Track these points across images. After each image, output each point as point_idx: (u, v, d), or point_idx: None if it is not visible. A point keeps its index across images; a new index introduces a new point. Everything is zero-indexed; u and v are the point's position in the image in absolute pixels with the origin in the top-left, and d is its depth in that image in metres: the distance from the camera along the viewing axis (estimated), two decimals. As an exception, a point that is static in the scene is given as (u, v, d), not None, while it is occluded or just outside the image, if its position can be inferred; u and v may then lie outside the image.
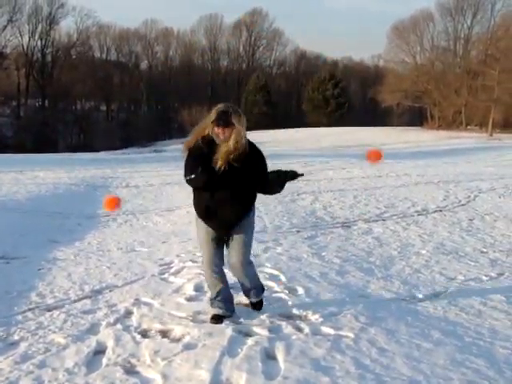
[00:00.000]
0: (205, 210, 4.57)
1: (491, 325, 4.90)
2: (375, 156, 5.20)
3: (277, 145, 45.40)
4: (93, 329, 4.66)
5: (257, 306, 4.97)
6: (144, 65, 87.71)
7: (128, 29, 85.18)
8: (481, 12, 69.72)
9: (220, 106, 4.45)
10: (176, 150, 41.53)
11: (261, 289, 4.96)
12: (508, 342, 4.47)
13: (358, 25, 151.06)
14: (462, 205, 12.10)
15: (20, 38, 71.36)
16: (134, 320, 4.84)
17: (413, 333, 4.54)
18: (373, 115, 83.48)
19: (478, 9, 69.60)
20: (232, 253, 4.72)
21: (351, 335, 4.38)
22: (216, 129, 4.38)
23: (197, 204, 4.64)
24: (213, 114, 4.41)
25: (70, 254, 7.66)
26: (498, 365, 4.00)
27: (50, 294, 5.67)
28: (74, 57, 76.90)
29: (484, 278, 6.55)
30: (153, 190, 15.19)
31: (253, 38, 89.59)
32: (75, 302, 5.42)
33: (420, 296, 5.72)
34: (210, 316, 4.71)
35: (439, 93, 68.03)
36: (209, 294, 4.88)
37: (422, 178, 17.17)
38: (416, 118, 79.57)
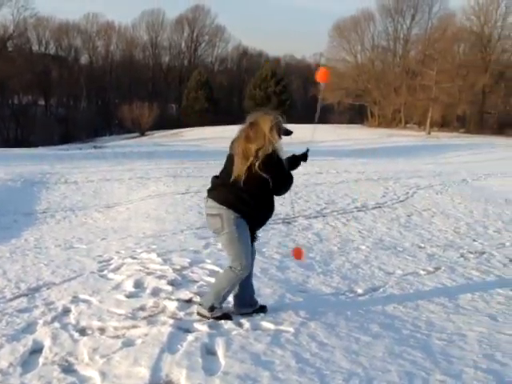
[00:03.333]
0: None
1: (428, 317, 5.02)
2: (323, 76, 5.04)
3: (219, 141, 45.31)
4: (29, 328, 4.54)
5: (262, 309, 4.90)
6: (84, 59, 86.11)
7: (68, 22, 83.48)
8: (419, 14, 71.26)
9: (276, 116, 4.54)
10: (117, 146, 41.06)
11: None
12: (444, 334, 4.58)
13: (300, 23, 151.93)
14: (401, 201, 12.34)
15: (-46, 29, 69.04)
16: (72, 318, 4.75)
17: (352, 327, 4.60)
18: (314, 113, 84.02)
19: (416, 10, 71.08)
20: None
21: (291, 330, 4.41)
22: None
23: (269, 206, 4.69)
24: (275, 125, 4.44)
25: (6, 252, 7.48)
26: (434, 356, 4.09)
27: (-16, 293, 5.52)
28: (10, 49, 74.85)
29: (421, 272, 6.71)
30: (92, 186, 14.94)
31: (195, 35, 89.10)
32: (11, 300, 5.28)
33: (359, 290, 5.81)
34: (217, 316, 4.64)
35: (379, 91, 69.19)
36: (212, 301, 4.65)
37: (362, 175, 17.42)
38: (356, 116, 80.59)
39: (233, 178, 4.41)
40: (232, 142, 4.57)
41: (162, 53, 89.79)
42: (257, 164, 4.32)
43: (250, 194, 4.44)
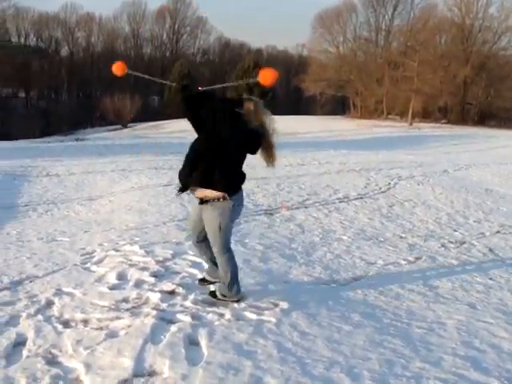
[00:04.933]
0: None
1: (408, 306, 5.09)
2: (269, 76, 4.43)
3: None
4: (12, 320, 4.54)
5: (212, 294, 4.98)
6: (65, 51, 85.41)
7: (47, 13, 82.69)
8: (401, 5, 71.44)
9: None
10: (99, 139, 40.83)
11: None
12: (423, 322, 4.65)
13: (283, 13, 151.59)
14: (383, 192, 12.41)
15: None
16: (55, 310, 4.76)
17: (333, 316, 4.65)
18: (296, 104, 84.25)
19: (398, 1, 71.25)
20: None
21: (273, 320, 4.46)
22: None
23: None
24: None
25: (-12, 245, 7.44)
26: (414, 344, 4.16)
27: (-33, 286, 5.50)
28: (-11, 41, 74.01)
29: (402, 262, 6.78)
30: (74, 178, 14.86)
31: (176, 26, 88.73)
32: (-7, 293, 5.27)
33: (341, 280, 5.87)
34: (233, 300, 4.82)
35: (361, 82, 69.29)
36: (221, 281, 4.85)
37: (344, 166, 17.48)
38: (339, 107, 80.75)
39: None
40: None
41: (143, 44, 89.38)
42: None
43: None
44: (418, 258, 6.98)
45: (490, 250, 7.66)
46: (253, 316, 4.54)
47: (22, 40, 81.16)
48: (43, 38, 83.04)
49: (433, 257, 7.07)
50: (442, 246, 7.77)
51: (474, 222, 9.61)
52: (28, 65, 76.03)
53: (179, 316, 4.52)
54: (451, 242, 7.99)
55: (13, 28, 79.60)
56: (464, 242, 8.01)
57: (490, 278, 6.27)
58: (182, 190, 4.70)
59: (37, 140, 43.01)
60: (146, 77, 4.83)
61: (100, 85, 78.79)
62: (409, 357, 3.93)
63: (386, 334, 4.33)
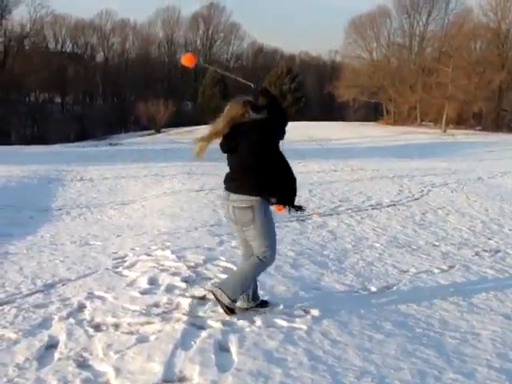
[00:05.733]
0: None
1: (441, 316, 5.01)
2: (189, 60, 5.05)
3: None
4: (45, 323, 4.58)
5: (263, 304, 4.91)
6: (100, 57, 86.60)
7: (83, 20, 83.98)
8: (435, 10, 70.81)
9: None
10: (132, 144, 41.21)
11: None
12: (457, 333, 4.57)
13: (315, 19, 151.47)
14: (416, 199, 12.29)
15: (-29, 28, 69.49)
16: (86, 314, 4.79)
17: (365, 324, 4.60)
18: (329, 110, 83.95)
19: (432, 7, 70.64)
20: None
21: (304, 327, 4.42)
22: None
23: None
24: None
25: (23, 248, 7.54)
26: (447, 354, 4.09)
27: (1, 289, 5.57)
28: (27, 47, 75.25)
29: (435, 270, 6.68)
30: (107, 183, 15.03)
31: (210, 32, 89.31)
32: (27, 296, 5.33)
33: (373, 288, 5.81)
34: (235, 307, 4.71)
35: (394, 89, 68.79)
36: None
37: (377, 173, 17.37)
38: (372, 113, 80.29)
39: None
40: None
41: (177, 50, 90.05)
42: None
43: (258, 166, 4.46)
44: (451, 267, 6.87)
45: (526, 259, 7.51)
46: (284, 323, 4.51)
47: (59, 46, 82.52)
48: (79, 44, 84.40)
49: (466, 265, 6.96)
50: (476, 254, 7.65)
51: (510, 230, 9.44)
52: (64, 70, 77.22)
53: (210, 322, 4.51)
54: (486, 251, 7.85)
55: (50, 34, 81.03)
56: (499, 251, 7.88)
57: (526, 288, 6.14)
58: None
59: (71, 144, 43.64)
60: (224, 73, 5.01)
61: (134, 90, 79.62)
62: (441, 367, 3.86)
63: (419, 344, 4.26)
